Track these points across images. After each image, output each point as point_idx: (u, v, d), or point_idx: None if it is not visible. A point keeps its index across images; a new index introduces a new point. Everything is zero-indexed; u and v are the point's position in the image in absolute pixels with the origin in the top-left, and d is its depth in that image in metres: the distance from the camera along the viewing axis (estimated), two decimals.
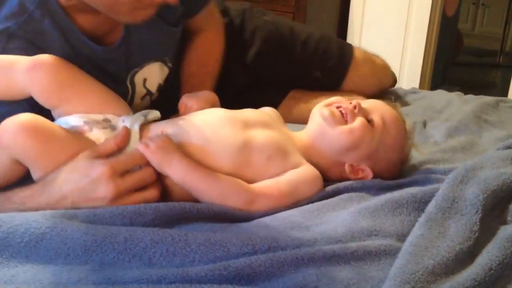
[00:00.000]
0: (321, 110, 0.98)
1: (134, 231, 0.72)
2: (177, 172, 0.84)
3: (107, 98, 0.94)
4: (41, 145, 0.83)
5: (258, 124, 0.95)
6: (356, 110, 0.96)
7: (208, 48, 1.29)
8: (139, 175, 0.83)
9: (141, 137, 0.89)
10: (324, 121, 0.97)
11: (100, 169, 0.80)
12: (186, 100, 1.00)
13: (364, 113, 0.98)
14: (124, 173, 0.83)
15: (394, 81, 1.77)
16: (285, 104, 1.48)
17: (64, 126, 0.88)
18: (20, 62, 0.89)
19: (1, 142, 0.83)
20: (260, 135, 0.92)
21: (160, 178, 0.87)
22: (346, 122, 0.96)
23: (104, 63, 1.02)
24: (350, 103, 0.98)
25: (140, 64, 1.09)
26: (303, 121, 1.09)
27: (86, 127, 0.88)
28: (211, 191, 0.84)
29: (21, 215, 0.75)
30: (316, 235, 0.74)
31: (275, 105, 1.44)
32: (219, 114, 0.95)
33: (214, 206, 0.82)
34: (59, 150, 0.84)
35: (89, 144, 0.86)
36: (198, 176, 0.84)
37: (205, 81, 1.22)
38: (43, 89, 0.89)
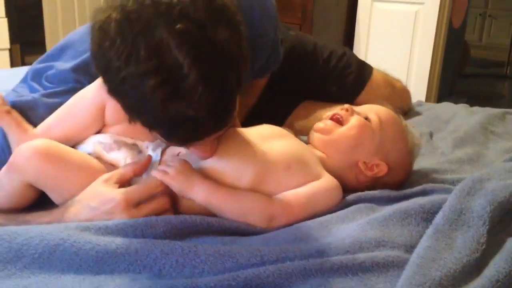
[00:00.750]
0: (316, 125, 1.03)
1: (145, 243, 0.73)
2: (200, 196, 0.84)
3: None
4: (54, 169, 0.85)
5: (274, 135, 0.96)
6: (349, 112, 1.01)
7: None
8: (154, 205, 0.84)
9: (161, 161, 0.90)
10: (320, 133, 1.00)
11: (115, 200, 0.82)
12: None
13: (359, 114, 1.01)
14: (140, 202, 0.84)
15: (411, 104, 1.78)
16: (296, 113, 1.50)
17: (95, 141, 0.92)
18: (88, 88, 0.94)
19: (15, 166, 0.86)
20: (277, 145, 0.93)
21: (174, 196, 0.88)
22: (342, 123, 1.00)
23: None
24: (342, 109, 1.02)
25: None
26: (309, 128, 1.10)
27: (114, 145, 0.91)
28: (233, 210, 0.85)
29: (36, 227, 0.76)
30: (324, 246, 0.74)
31: (287, 112, 1.46)
32: (233, 132, 0.93)
33: (224, 220, 0.83)
34: (72, 174, 0.86)
35: (104, 168, 0.89)
36: (220, 197, 0.85)
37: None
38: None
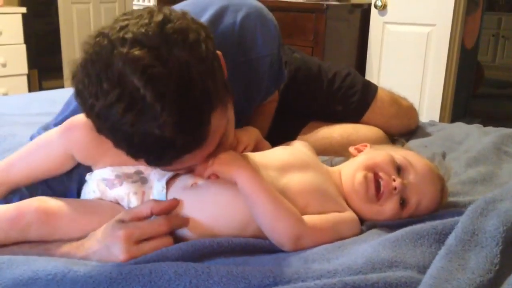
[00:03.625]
0: (358, 175, 0.95)
1: (158, 264, 0.74)
2: (242, 178, 0.84)
3: None
4: (51, 228, 0.86)
5: (294, 166, 0.94)
6: (395, 192, 0.93)
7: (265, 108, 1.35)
8: (156, 244, 0.83)
9: (167, 189, 0.90)
10: (355, 191, 0.95)
11: (117, 233, 0.82)
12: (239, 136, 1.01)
13: (404, 191, 0.94)
14: (142, 240, 0.83)
15: (418, 122, 1.79)
16: (303, 132, 1.51)
17: (99, 178, 0.92)
18: (52, 131, 0.95)
19: (19, 227, 0.86)
20: (296, 180, 0.91)
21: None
22: (379, 199, 0.93)
23: None
24: (394, 180, 0.93)
25: None
26: (317, 148, 1.11)
27: (116, 181, 0.91)
28: (267, 208, 0.83)
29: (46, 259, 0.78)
30: (337, 266, 0.75)
31: (294, 133, 1.47)
32: (254, 162, 0.92)
33: (233, 239, 0.83)
34: (69, 228, 0.87)
35: (104, 213, 0.88)
36: (262, 187, 0.83)
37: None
38: (81, 146, 0.92)
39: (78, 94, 0.77)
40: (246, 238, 0.84)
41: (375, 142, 1.35)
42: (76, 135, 0.91)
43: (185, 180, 0.91)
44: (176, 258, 0.78)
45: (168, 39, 0.74)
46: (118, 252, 0.81)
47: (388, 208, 0.94)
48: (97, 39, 0.76)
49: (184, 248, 0.80)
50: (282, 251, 0.83)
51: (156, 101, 0.71)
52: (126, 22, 0.76)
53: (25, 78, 3.63)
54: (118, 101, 0.72)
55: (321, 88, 1.56)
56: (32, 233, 0.86)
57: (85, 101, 0.76)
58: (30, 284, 0.72)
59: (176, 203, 0.87)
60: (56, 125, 1.04)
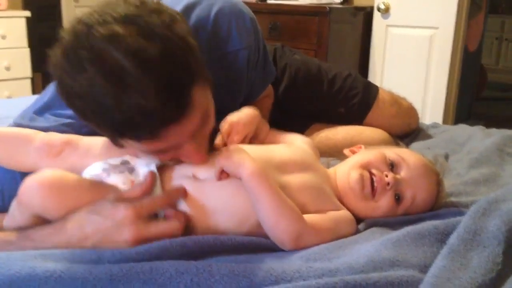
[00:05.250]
0: (353, 173, 0.96)
1: (159, 262, 0.74)
2: (246, 172, 0.84)
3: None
4: (59, 202, 0.85)
5: (294, 167, 0.94)
6: (388, 187, 0.94)
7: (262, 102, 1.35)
8: (163, 226, 0.83)
9: (161, 178, 0.89)
10: (350, 189, 0.95)
11: (124, 212, 0.81)
12: (230, 121, 1.01)
13: (398, 185, 0.95)
14: (149, 217, 0.83)
15: (418, 122, 1.79)
16: (307, 134, 1.51)
17: (87, 176, 0.90)
18: (35, 139, 0.95)
19: (22, 201, 0.86)
20: (295, 181, 0.91)
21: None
22: (373, 196, 0.94)
23: None
24: (386, 175, 0.94)
25: None
26: (320, 150, 1.11)
27: (104, 174, 0.90)
28: (270, 204, 0.83)
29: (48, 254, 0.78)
30: (338, 265, 0.74)
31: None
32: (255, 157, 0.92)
33: (236, 237, 0.83)
34: (77, 202, 0.85)
35: (109, 190, 0.87)
36: (266, 182, 0.84)
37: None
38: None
39: (58, 80, 0.78)
40: (249, 236, 0.84)
41: (379, 144, 1.35)
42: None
43: (183, 170, 0.91)
44: (179, 253, 0.78)
45: (146, 18, 0.76)
46: (127, 233, 0.80)
47: (383, 203, 0.94)
48: (73, 25, 0.77)
49: (187, 243, 0.80)
50: (284, 250, 0.83)
51: (138, 70, 0.72)
52: (101, 9, 0.77)
53: (29, 82, 3.64)
54: (99, 76, 0.73)
55: (321, 89, 1.56)
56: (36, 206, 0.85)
57: (66, 85, 0.77)
58: (28, 281, 0.71)
59: (152, 174, 0.87)
60: (35, 112, 1.06)
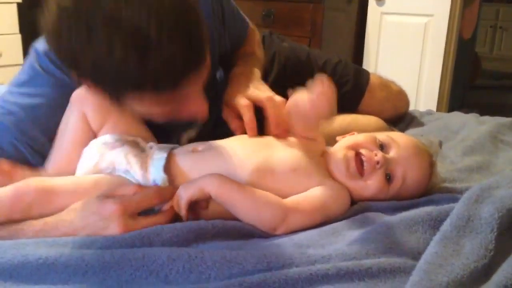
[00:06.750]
0: (339, 153, 0.95)
1: (151, 249, 0.74)
2: (212, 187, 0.84)
3: (138, 127, 1.00)
4: (53, 206, 0.85)
5: (281, 144, 0.96)
6: (378, 166, 0.92)
7: (251, 48, 1.34)
8: (152, 220, 0.84)
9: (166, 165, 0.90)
10: (337, 170, 0.94)
11: (110, 207, 0.81)
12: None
13: (388, 165, 0.94)
14: (137, 213, 0.83)
15: (408, 106, 1.79)
16: None
17: (99, 142, 0.94)
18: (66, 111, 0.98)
19: (20, 208, 0.85)
20: (280, 152, 0.93)
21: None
22: (362, 175, 0.93)
23: None
24: (376, 154, 0.93)
25: None
26: None
27: (117, 143, 0.93)
28: (246, 204, 0.84)
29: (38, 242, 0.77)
30: (331, 252, 0.74)
31: None
32: (243, 138, 0.97)
33: (228, 222, 0.83)
34: (62, 205, 0.86)
35: (96, 190, 0.87)
36: (233, 188, 0.84)
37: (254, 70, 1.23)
38: (94, 108, 0.95)
39: (65, 51, 0.76)
40: (241, 222, 0.84)
41: (374, 131, 1.35)
42: (85, 95, 0.94)
43: (185, 148, 0.95)
44: (171, 237, 0.78)
45: None
46: (114, 228, 0.80)
47: (373, 182, 0.93)
48: None
49: (179, 227, 0.80)
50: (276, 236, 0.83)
51: (160, 32, 0.71)
52: None
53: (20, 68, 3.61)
54: (118, 42, 0.70)
55: (312, 77, 1.55)
56: (34, 212, 0.84)
57: (76, 55, 0.75)
58: (20, 268, 0.71)
59: (158, 189, 0.88)
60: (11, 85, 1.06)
